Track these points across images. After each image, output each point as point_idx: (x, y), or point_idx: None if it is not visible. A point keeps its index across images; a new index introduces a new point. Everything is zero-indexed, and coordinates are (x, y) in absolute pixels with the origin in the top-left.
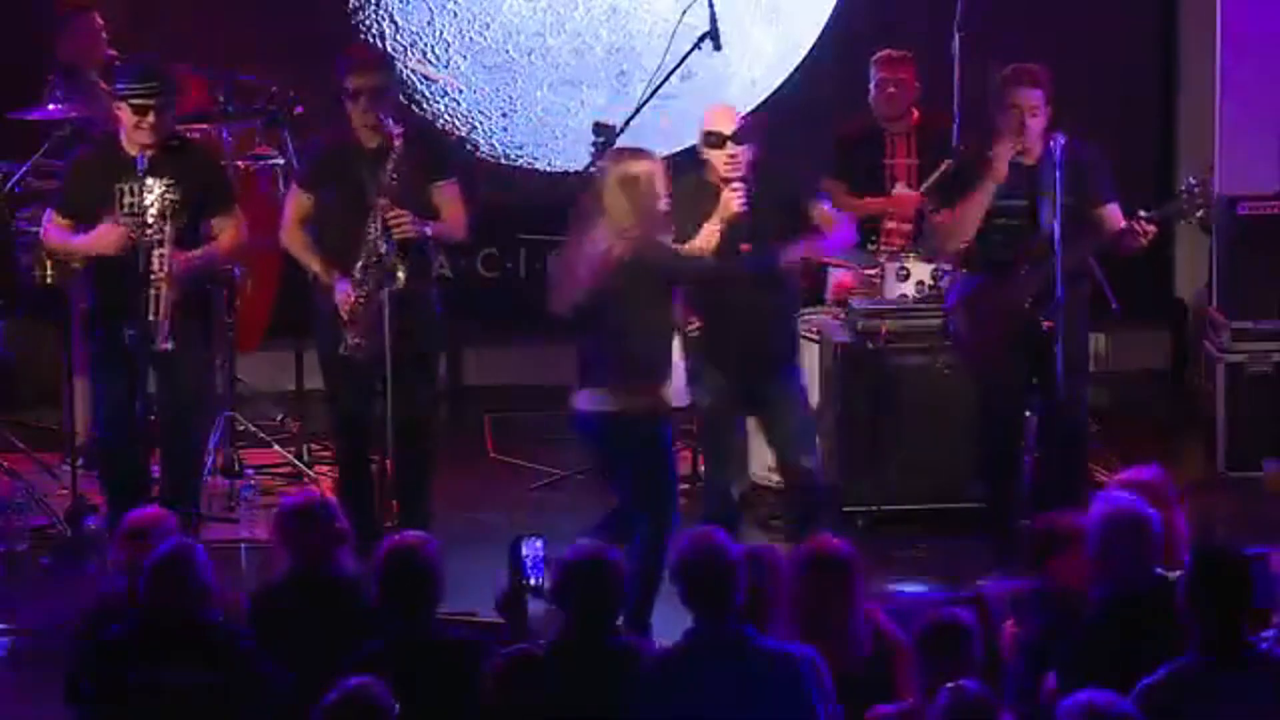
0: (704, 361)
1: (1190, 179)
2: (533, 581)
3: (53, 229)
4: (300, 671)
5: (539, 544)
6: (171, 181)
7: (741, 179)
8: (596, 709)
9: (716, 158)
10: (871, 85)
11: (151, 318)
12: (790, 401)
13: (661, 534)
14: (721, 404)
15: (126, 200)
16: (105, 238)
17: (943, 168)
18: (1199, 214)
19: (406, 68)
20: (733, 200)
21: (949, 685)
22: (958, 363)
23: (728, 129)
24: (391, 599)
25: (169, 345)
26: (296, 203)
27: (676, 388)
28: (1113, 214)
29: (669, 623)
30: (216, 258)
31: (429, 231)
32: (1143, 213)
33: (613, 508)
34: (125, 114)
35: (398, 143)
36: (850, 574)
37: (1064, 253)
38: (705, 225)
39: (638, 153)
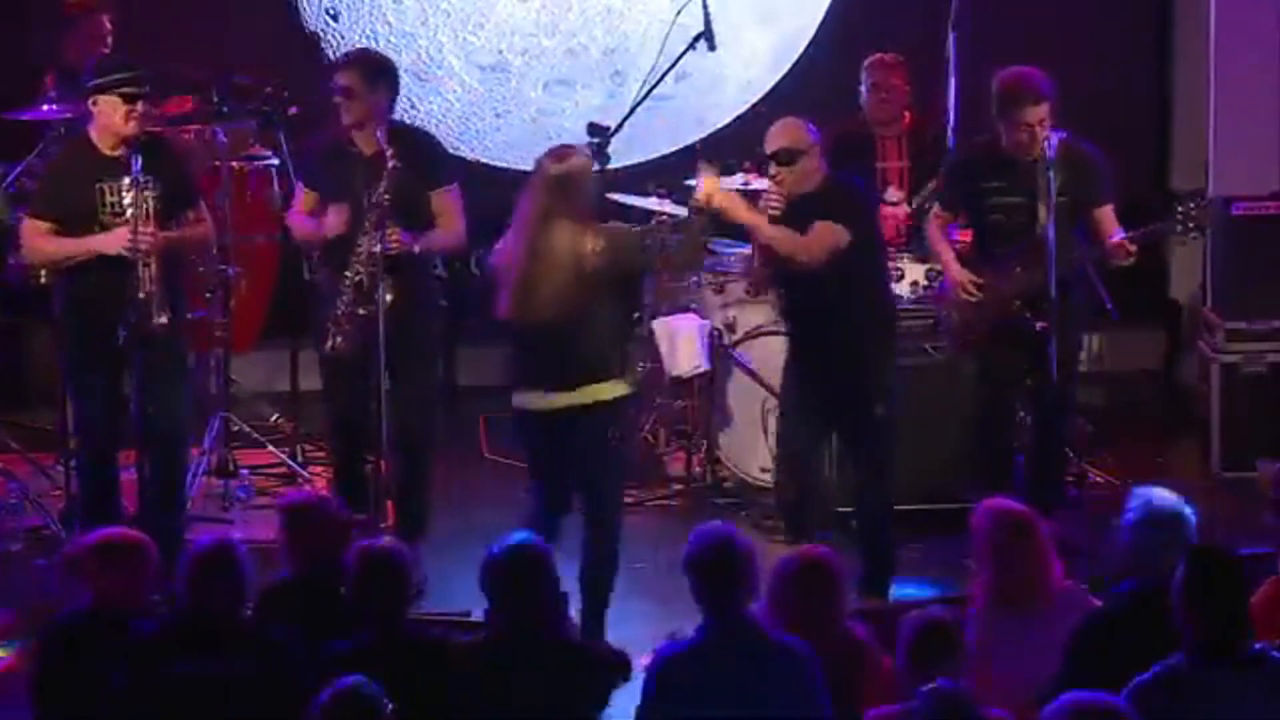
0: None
1: (1190, 202)
2: None
3: (36, 239)
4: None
5: None
6: (149, 178)
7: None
8: (538, 704)
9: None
10: (863, 89)
11: (142, 295)
12: None
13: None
14: None
15: (109, 199)
16: (113, 238)
17: (932, 185)
18: (1193, 235)
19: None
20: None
21: (927, 686)
22: (949, 353)
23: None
24: (362, 603)
25: (164, 319)
26: (304, 197)
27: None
28: (1107, 216)
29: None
30: (189, 241)
31: (416, 248)
32: (1127, 233)
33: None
34: (110, 106)
35: (391, 163)
36: (836, 581)
37: (1058, 254)
38: None
39: (571, 148)
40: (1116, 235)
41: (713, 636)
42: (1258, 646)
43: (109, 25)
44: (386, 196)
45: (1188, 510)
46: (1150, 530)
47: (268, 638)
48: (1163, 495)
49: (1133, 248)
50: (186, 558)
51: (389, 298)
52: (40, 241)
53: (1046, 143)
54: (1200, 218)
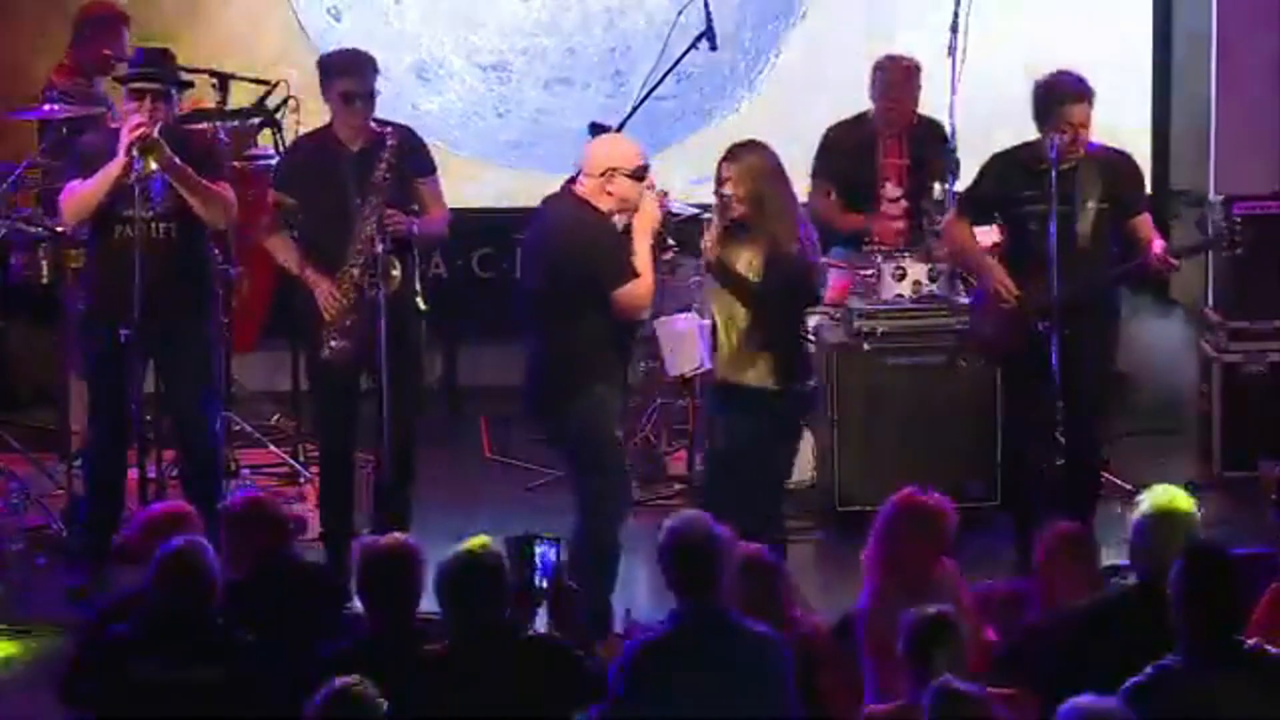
0: None
1: (1222, 222)
2: (541, 584)
3: (70, 192)
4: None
5: (552, 548)
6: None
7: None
8: (499, 708)
9: (635, 188)
10: (871, 89)
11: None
12: None
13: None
14: None
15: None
16: (117, 163)
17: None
18: (1237, 251)
19: (400, 67)
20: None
21: (936, 682)
22: (977, 360)
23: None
24: (371, 601)
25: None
26: (273, 203)
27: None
28: (1145, 224)
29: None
30: (201, 182)
31: (415, 230)
32: (1161, 246)
33: None
34: (122, 97)
35: (391, 142)
36: (776, 579)
37: (1097, 263)
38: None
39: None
40: (1157, 244)
41: (686, 625)
42: (1251, 644)
43: (127, 36)
44: (387, 176)
45: (1191, 508)
46: (1149, 527)
47: (235, 640)
48: (1166, 493)
49: (1176, 261)
50: (155, 559)
51: (396, 275)
52: (74, 192)
53: (1087, 133)
54: (1242, 235)
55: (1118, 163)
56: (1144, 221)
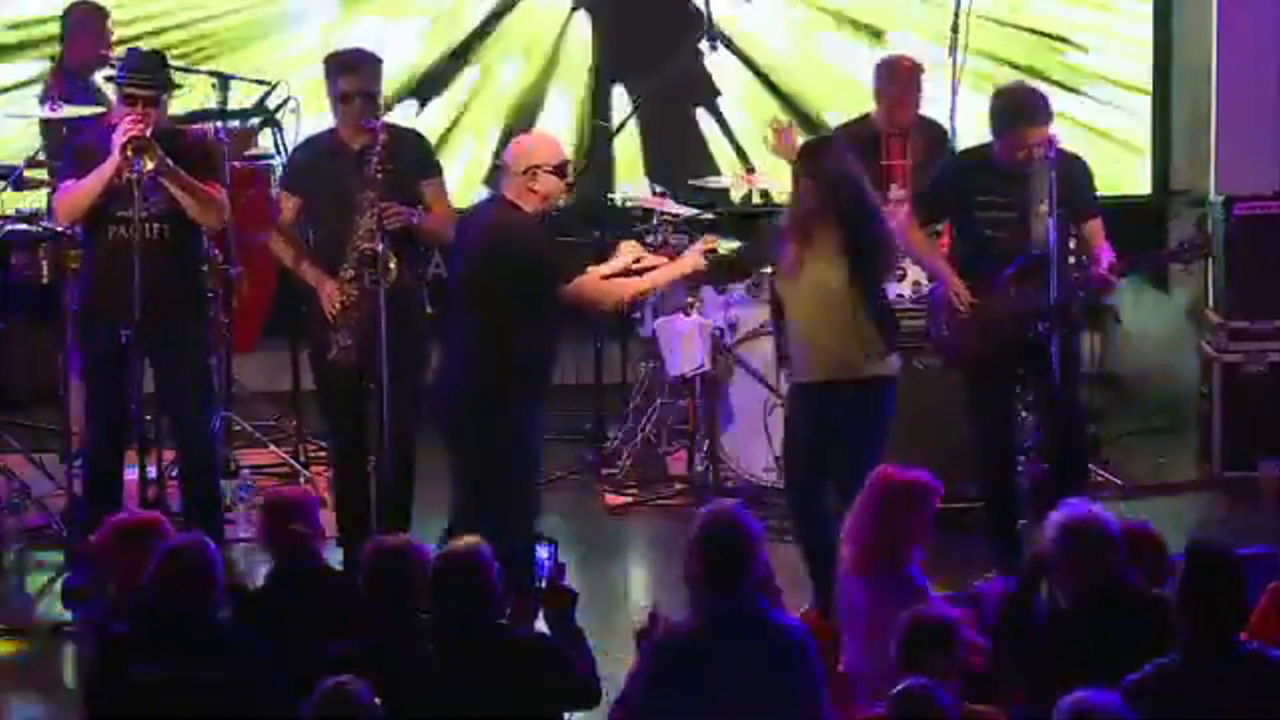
0: None
1: (1182, 241)
2: (539, 585)
3: (64, 191)
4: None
5: (550, 549)
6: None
7: None
8: (485, 705)
9: (559, 185)
10: (876, 91)
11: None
12: None
13: None
14: None
15: (125, 175)
16: (110, 163)
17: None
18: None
19: None
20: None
21: (899, 687)
22: (941, 364)
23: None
24: (376, 601)
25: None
26: (282, 206)
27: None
28: (1097, 230)
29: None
30: (194, 184)
31: (415, 220)
32: (1109, 262)
33: None
34: (117, 100)
35: (381, 136)
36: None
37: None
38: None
39: None
40: (1105, 254)
41: (719, 616)
42: (1251, 645)
43: (111, 28)
44: (378, 171)
45: (1109, 518)
46: (1077, 545)
47: (237, 640)
48: (1081, 508)
49: (1117, 279)
50: (156, 557)
51: (394, 268)
52: (68, 191)
53: (1044, 147)
54: (1197, 251)
55: (1071, 167)
56: (1095, 229)
